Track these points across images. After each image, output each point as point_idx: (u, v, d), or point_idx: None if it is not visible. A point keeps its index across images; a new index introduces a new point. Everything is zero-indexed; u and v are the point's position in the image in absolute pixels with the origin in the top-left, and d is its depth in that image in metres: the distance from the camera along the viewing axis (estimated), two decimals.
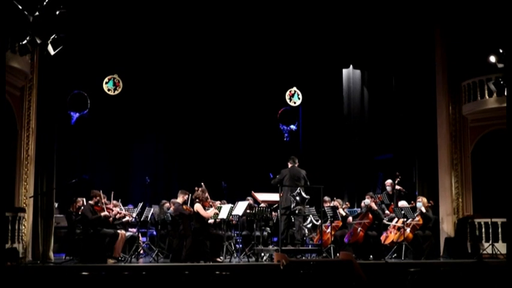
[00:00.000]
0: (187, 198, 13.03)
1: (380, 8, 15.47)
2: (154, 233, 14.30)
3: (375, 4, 15.43)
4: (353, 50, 16.45)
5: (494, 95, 14.44)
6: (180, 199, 12.94)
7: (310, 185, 13.07)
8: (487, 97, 14.74)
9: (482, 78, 14.71)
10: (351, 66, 18.08)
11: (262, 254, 12.97)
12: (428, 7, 15.59)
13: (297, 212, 12.76)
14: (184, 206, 12.74)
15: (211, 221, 12.74)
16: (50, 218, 12.99)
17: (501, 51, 12.36)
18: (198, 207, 12.46)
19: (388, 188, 14.96)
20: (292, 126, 18.72)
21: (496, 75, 13.48)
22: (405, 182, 15.51)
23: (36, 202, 12.83)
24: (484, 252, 14.10)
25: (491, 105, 14.70)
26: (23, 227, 12.59)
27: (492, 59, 13.04)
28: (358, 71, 18.73)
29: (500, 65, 12.50)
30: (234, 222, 13.82)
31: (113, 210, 12.85)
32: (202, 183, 13.06)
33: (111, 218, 12.72)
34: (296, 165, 13.20)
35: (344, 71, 18.66)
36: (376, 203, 14.21)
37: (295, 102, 18.24)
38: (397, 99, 17.63)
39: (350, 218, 14.20)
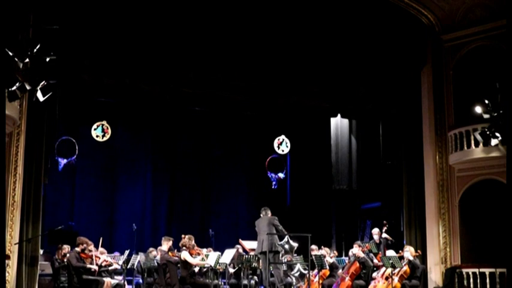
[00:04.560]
0: (172, 244, 12.92)
1: (368, 58, 15.67)
2: (141, 281, 14.13)
3: (363, 55, 15.63)
4: (341, 99, 16.58)
5: (481, 145, 14.52)
6: (165, 246, 12.81)
7: (298, 233, 13.01)
8: (473, 147, 14.82)
9: (468, 129, 14.82)
10: (339, 115, 18.21)
11: None
12: (415, 58, 15.86)
13: (283, 259, 12.68)
14: (170, 253, 12.63)
15: (197, 268, 12.62)
16: (35, 265, 12.84)
17: (486, 102, 12.51)
18: (185, 254, 12.35)
19: (375, 237, 14.94)
20: (280, 174, 18.73)
21: (482, 125, 13.63)
22: (393, 230, 15.49)
23: (21, 249, 12.69)
24: None
25: (478, 155, 14.76)
26: (7, 274, 12.41)
27: (478, 109, 13.21)
28: (346, 120, 18.86)
29: (486, 116, 12.64)
30: (221, 270, 13.69)
31: (99, 258, 12.71)
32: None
33: (96, 267, 12.55)
34: (268, 215, 13.17)
35: (332, 120, 18.79)
36: (364, 252, 14.17)
37: (283, 150, 18.30)
38: (384, 148, 17.73)
39: (340, 271, 14.10)
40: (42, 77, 9.50)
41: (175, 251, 12.83)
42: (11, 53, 9.07)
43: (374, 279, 13.92)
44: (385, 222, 14.87)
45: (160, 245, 13.38)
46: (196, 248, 12.91)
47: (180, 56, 14.51)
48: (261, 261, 12.75)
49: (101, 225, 17.10)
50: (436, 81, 15.77)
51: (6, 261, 12.35)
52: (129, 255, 13.39)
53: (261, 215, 13.23)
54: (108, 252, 13.90)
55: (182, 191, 18.19)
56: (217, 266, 12.93)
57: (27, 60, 9.30)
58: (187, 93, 15.12)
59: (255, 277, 14.05)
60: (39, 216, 13.10)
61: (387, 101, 16.39)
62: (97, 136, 16.51)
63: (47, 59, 9.52)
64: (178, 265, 12.43)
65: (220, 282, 13.82)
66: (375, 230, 15.01)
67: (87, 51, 13.71)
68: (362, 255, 13.90)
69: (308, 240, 12.67)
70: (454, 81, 15.56)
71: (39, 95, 9.78)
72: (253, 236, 14.22)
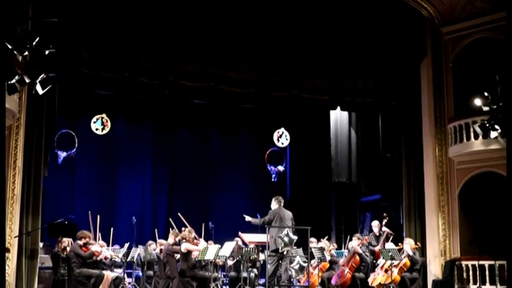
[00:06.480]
0: (179, 240, 12.92)
1: (367, 50, 15.65)
2: (140, 273, 14.15)
3: (363, 47, 15.61)
4: (341, 92, 16.53)
5: (480, 137, 14.51)
6: (171, 239, 12.81)
7: (297, 226, 13.02)
8: (473, 139, 14.81)
9: (468, 121, 14.81)
10: (339, 108, 18.19)
11: None
12: (414, 50, 15.85)
13: (285, 253, 12.68)
14: (174, 247, 12.65)
15: (196, 254, 12.60)
16: (34, 258, 12.85)
17: (486, 94, 12.51)
18: (186, 245, 12.37)
19: (375, 230, 14.94)
20: (280, 167, 18.73)
21: (481, 117, 13.63)
22: (393, 223, 15.49)
23: (21, 242, 12.70)
24: None
25: (477, 148, 14.76)
26: (7, 267, 12.42)
27: (477, 102, 13.20)
28: (345, 113, 18.87)
29: (485, 108, 12.64)
30: (220, 263, 13.70)
31: (100, 253, 12.76)
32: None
33: (100, 249, 12.67)
34: (282, 205, 13.15)
35: (331, 112, 18.79)
36: (363, 245, 14.17)
37: (283, 143, 18.28)
38: (384, 140, 17.71)
39: (340, 261, 14.16)
40: (41, 70, 9.48)
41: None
42: (10, 46, 9.04)
43: (373, 271, 13.95)
44: (385, 214, 14.88)
45: (160, 238, 13.39)
46: (196, 240, 12.92)
47: (179, 49, 14.50)
48: (268, 254, 12.68)
49: (100, 218, 17.07)
50: (435, 74, 15.76)
51: (6, 254, 12.36)
52: (129, 248, 13.39)
53: (280, 205, 13.12)
54: (108, 245, 13.91)
55: (182, 183, 18.19)
56: (217, 260, 12.95)
57: (26, 53, 9.27)
58: (186, 86, 15.07)
59: (255, 270, 14.06)
60: (39, 209, 13.10)
61: (387, 94, 16.35)
62: (96, 129, 16.49)
63: (46, 52, 9.49)
64: (177, 257, 12.43)
65: (219, 275, 13.84)
66: (375, 223, 15.02)
67: (87, 44, 13.68)
68: (359, 250, 13.93)
69: (308, 232, 12.69)
70: (453, 74, 15.55)
71: (38, 88, 9.75)
72: (252, 229, 14.22)
